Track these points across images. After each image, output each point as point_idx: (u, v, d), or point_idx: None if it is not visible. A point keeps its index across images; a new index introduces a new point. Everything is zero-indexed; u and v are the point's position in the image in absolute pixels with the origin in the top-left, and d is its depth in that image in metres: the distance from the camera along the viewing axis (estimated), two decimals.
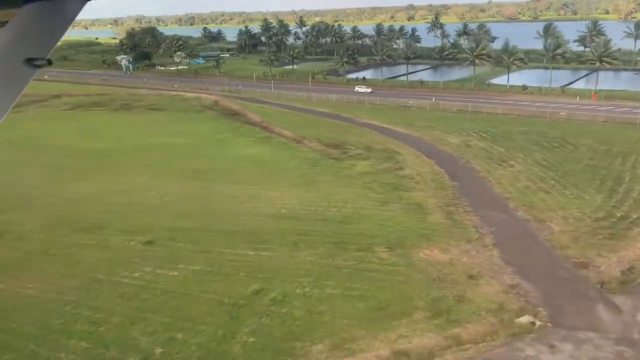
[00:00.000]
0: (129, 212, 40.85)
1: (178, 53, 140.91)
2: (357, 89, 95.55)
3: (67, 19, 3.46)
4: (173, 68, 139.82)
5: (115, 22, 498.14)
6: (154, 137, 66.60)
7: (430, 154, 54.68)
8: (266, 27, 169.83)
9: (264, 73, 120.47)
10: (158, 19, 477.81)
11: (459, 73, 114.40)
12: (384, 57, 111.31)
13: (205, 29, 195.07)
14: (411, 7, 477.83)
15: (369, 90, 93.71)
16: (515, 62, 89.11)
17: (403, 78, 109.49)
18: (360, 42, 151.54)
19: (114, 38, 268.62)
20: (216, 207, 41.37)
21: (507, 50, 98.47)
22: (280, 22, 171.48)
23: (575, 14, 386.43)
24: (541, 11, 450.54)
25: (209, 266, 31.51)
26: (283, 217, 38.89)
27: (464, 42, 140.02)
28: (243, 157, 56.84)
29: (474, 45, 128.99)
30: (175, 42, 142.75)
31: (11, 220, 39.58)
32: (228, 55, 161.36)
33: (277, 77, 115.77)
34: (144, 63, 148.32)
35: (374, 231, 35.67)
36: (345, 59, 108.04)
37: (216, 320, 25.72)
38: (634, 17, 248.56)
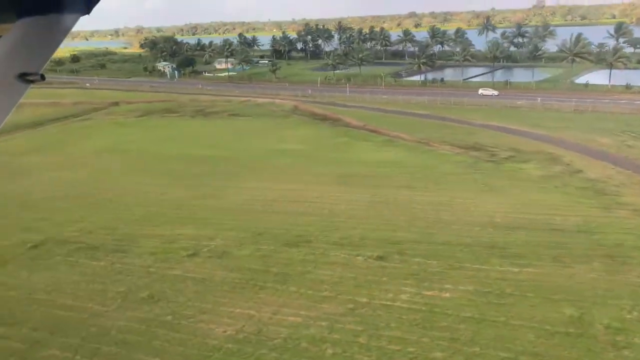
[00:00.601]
0: (319, 222, 36.14)
1: (230, 59, 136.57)
2: (481, 91, 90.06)
3: (61, 33, 3.41)
4: (222, 74, 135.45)
5: (116, 32, 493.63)
6: (267, 143, 61.97)
7: (593, 154, 50.27)
8: (307, 32, 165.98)
9: (325, 77, 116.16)
10: (158, 29, 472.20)
11: (525, 74, 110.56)
12: (467, 58, 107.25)
13: (240, 35, 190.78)
14: (413, 14, 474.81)
15: (495, 93, 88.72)
16: (620, 60, 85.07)
17: (477, 79, 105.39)
18: (410, 45, 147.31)
19: (125, 48, 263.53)
20: (418, 215, 36.70)
21: (613, 49, 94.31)
22: (319, 27, 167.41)
23: (584, 19, 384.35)
24: (548, 17, 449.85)
25: (482, 286, 26.78)
26: (505, 227, 34.25)
27: (522, 42, 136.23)
28: (382, 162, 52.18)
29: (533, 46, 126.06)
30: (227, 47, 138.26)
31: (192, 236, 34.80)
32: (267, 61, 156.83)
33: (343, 80, 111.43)
34: (188, 70, 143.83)
35: (634, 241, 31.08)
36: (423, 61, 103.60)
37: (573, 354, 20.99)
38: None
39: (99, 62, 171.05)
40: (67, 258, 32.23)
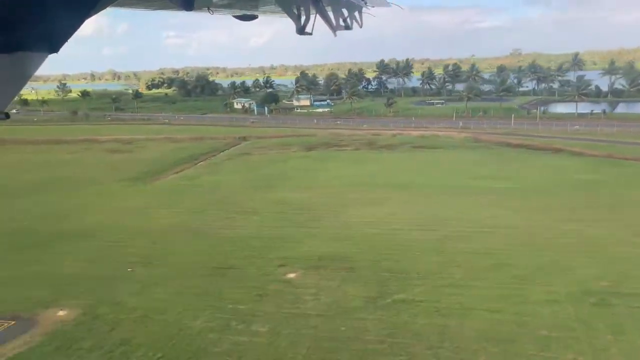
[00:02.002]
0: None
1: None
2: None
3: (27, 72, 3.33)
4: (318, 110, 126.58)
5: (93, 76, 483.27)
6: (537, 175, 52.43)
7: None
8: (383, 69, 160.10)
9: (455, 111, 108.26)
10: (135, 74, 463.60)
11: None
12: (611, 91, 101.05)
13: (302, 73, 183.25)
14: (393, 60, 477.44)
15: None
16: None
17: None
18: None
19: (128, 89, 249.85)
20: None
21: None
22: (401, 63, 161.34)
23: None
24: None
25: None
26: None
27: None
28: None
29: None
30: (332, 82, 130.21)
31: None
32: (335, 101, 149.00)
33: (481, 113, 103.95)
34: (272, 106, 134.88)
35: None
36: (583, 92, 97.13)
37: None
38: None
39: (171, 100, 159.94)
40: None
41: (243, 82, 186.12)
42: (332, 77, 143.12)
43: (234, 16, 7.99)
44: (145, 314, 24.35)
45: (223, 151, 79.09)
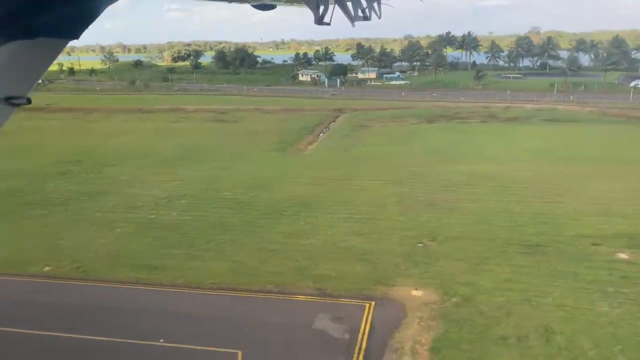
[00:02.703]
0: None
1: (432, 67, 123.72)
2: None
3: (49, 58, 3.49)
4: (391, 82, 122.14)
5: (103, 49, 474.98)
6: None
7: None
8: (448, 42, 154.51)
9: (550, 85, 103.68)
10: (145, 46, 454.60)
11: None
12: None
13: (359, 45, 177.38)
14: (410, 36, 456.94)
15: None
16: None
17: None
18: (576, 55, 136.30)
19: (158, 60, 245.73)
20: None
21: None
22: (466, 37, 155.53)
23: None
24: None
25: None
26: None
27: None
28: None
29: None
30: (416, 53, 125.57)
31: None
32: (401, 74, 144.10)
33: (583, 87, 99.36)
34: (344, 78, 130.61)
35: None
36: None
37: None
38: None
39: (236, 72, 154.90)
40: None
41: (304, 54, 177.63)
42: (413, 47, 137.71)
43: (253, 5, 7.71)
44: (511, 297, 21.35)
45: (332, 122, 75.65)
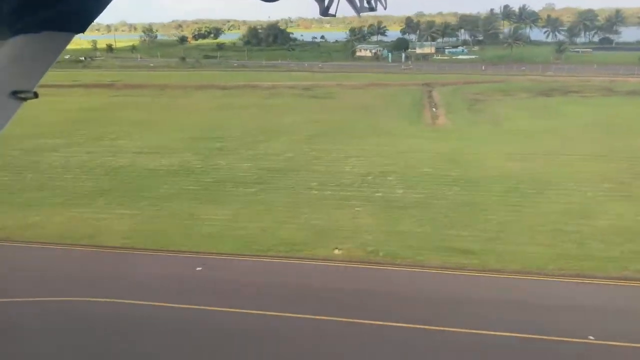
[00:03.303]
0: None
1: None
2: None
3: (55, 52, 3.35)
4: (466, 57, 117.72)
5: (108, 27, 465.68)
6: None
7: None
8: (506, 16, 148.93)
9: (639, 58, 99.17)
10: (150, 25, 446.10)
11: None
12: None
13: (408, 19, 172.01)
14: (421, 14, 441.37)
15: None
16: None
17: None
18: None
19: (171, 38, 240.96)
20: None
21: None
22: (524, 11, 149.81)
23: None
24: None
25: None
26: None
27: None
28: None
29: None
30: (491, 26, 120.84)
31: None
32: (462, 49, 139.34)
33: None
34: (408, 52, 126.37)
35: None
36: None
37: None
38: None
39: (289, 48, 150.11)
40: None
41: (359, 30, 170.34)
42: (490, 20, 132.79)
43: None
44: None
45: (429, 97, 71.82)
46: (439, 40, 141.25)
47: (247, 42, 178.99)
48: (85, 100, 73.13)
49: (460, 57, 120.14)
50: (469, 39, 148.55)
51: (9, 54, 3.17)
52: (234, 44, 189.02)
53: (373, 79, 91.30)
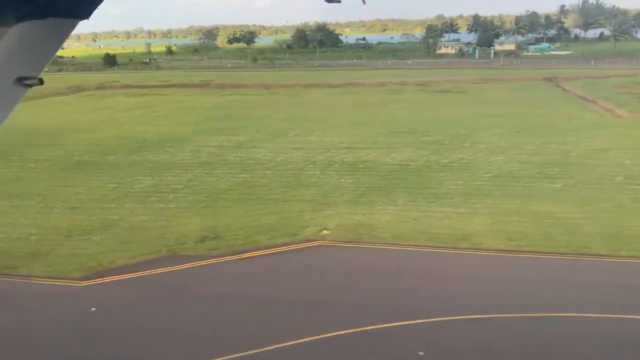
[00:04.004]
0: None
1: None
2: None
3: (60, 38, 3.36)
4: (562, 53, 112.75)
5: (128, 34, 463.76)
6: None
7: None
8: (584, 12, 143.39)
9: None
10: (170, 31, 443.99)
11: None
12: None
13: (476, 17, 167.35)
14: (441, 17, 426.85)
15: None
16: None
17: None
18: None
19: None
20: None
21: None
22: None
23: None
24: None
25: None
26: None
27: None
28: None
29: None
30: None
31: None
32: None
33: None
34: (493, 48, 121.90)
35: None
36: None
37: None
38: None
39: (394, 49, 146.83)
40: None
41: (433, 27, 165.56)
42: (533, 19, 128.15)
43: None
44: None
45: (566, 92, 67.21)
46: (518, 37, 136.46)
47: (289, 46, 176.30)
48: (198, 100, 70.05)
49: (552, 52, 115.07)
50: (539, 36, 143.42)
51: (15, 40, 3.11)
52: (281, 46, 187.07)
53: (482, 75, 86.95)
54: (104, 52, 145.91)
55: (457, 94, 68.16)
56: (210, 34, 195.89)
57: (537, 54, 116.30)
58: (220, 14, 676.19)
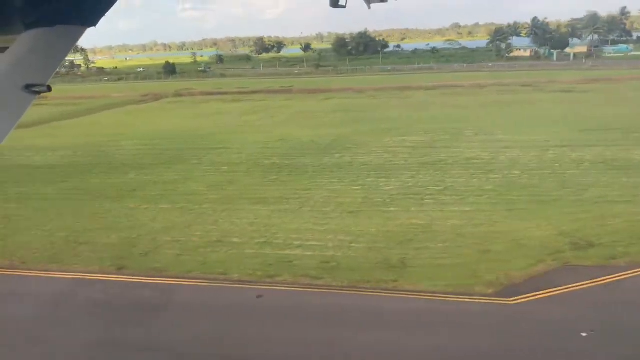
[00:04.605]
0: None
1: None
2: None
3: (67, 45, 3.36)
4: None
5: (144, 47, 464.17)
6: None
7: None
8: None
9: None
10: (184, 44, 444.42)
11: None
12: None
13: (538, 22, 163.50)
14: (457, 25, 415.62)
15: None
16: None
17: None
18: None
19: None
20: None
21: None
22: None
23: None
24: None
25: None
26: None
27: None
28: None
29: None
30: None
31: None
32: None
33: None
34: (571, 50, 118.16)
35: None
36: None
37: None
38: None
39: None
40: None
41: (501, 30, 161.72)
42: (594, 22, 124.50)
43: None
44: None
45: None
46: (590, 38, 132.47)
47: (323, 54, 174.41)
48: (302, 104, 66.97)
49: (632, 53, 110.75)
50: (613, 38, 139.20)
51: (23, 48, 3.16)
52: (320, 54, 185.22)
53: (583, 76, 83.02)
54: (135, 63, 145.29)
55: (581, 93, 64.37)
56: (262, 42, 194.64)
57: (620, 54, 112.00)
58: (229, 27, 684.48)
